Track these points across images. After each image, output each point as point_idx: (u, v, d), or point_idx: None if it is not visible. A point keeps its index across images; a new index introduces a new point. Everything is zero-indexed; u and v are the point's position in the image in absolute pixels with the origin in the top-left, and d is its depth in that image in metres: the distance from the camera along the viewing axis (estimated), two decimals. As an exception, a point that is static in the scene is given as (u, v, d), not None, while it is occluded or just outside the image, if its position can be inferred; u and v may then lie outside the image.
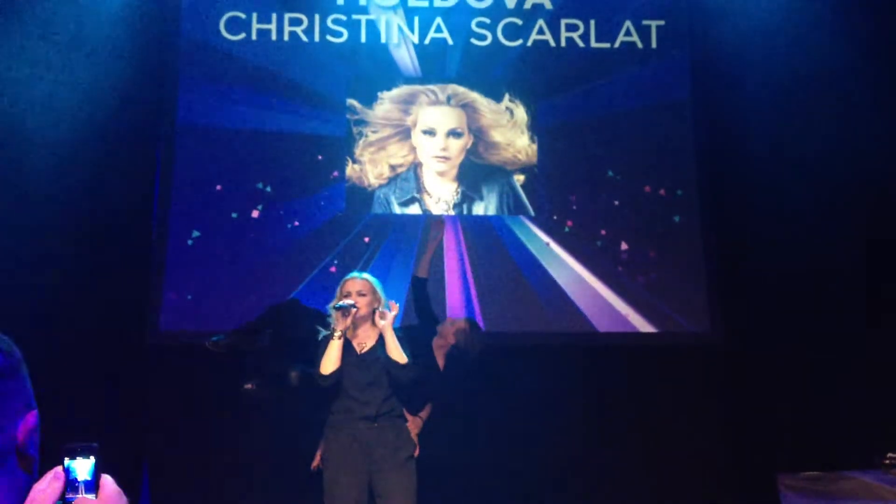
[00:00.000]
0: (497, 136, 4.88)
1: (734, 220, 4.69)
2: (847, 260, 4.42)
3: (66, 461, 0.99)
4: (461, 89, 4.91)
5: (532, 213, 4.83)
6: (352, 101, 4.89)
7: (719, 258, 4.65)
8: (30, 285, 4.04)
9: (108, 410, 4.07)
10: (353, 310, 3.22)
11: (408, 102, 4.90)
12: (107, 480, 1.00)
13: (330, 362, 3.18)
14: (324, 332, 3.34)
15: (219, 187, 4.71)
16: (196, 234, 4.63)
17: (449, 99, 4.90)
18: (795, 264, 4.47)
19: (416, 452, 3.36)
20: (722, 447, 4.40)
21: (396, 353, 3.22)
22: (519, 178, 4.88)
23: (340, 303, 3.22)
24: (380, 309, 3.30)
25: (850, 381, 4.26)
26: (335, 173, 4.81)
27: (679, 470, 4.35)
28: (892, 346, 4.22)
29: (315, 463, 3.42)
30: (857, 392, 4.21)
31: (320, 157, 4.84)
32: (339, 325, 3.20)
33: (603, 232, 4.78)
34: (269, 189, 4.77)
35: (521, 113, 4.91)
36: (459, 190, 4.86)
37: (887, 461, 3.75)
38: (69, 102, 4.36)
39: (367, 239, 4.76)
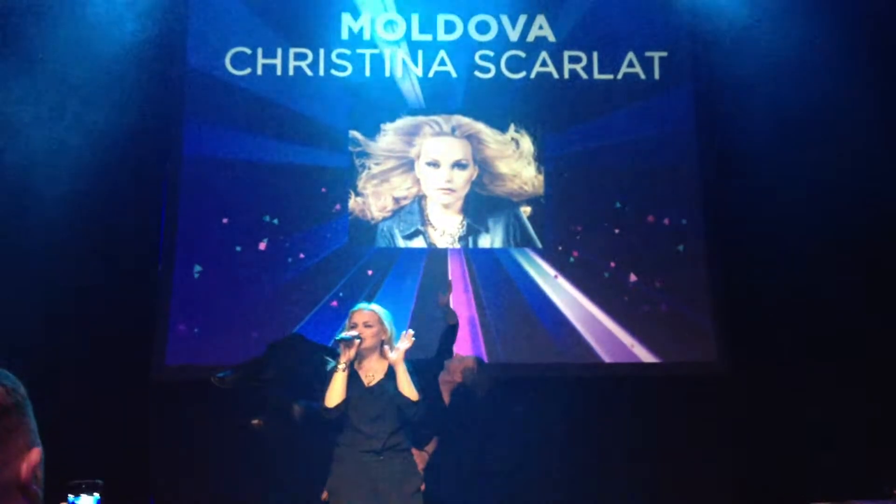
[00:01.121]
0: (503, 167, 4.86)
1: (739, 249, 4.68)
2: (853, 289, 4.39)
3: (71, 498, 0.97)
4: (466, 120, 4.90)
5: (539, 245, 4.79)
6: (354, 133, 4.89)
7: (725, 287, 4.63)
8: (36, 319, 4.01)
9: (114, 446, 4.04)
10: (357, 341, 3.17)
11: (411, 134, 4.89)
12: None
13: (335, 395, 3.13)
14: (332, 363, 3.27)
15: (225, 220, 4.70)
16: (201, 267, 4.61)
17: (454, 130, 4.89)
18: (801, 293, 4.44)
19: (423, 487, 3.28)
20: (729, 477, 4.35)
21: (408, 388, 3.17)
22: (525, 210, 4.85)
23: (343, 335, 3.17)
24: (388, 340, 3.24)
25: (858, 410, 4.20)
26: (337, 206, 4.78)
27: (686, 500, 4.30)
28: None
29: (325, 496, 3.32)
30: (865, 421, 4.16)
31: (324, 190, 4.82)
32: (343, 356, 3.15)
33: (609, 262, 4.75)
34: (276, 221, 4.74)
35: (526, 143, 4.90)
36: (465, 222, 4.82)
37: (896, 493, 3.69)
38: (75, 137, 4.36)
39: (370, 272, 4.71)
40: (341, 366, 3.15)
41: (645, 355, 4.58)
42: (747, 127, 4.73)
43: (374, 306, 3.33)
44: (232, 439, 4.19)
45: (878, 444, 4.00)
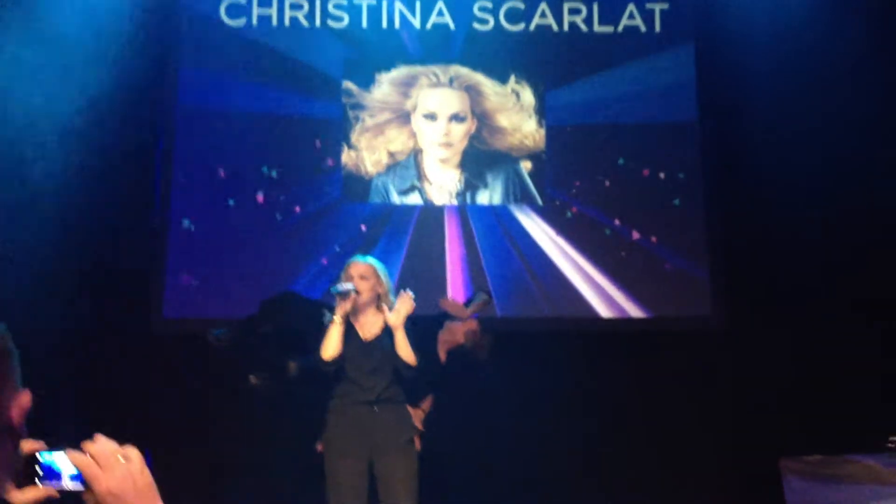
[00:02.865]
0: (503, 120, 4.73)
1: (737, 204, 4.64)
2: (853, 243, 4.37)
3: (44, 458, 1.00)
4: (464, 70, 4.75)
5: (540, 201, 4.68)
6: (348, 84, 4.73)
7: (722, 242, 4.60)
8: (30, 273, 3.95)
9: (110, 401, 4.04)
10: (354, 294, 3.15)
11: (407, 85, 4.74)
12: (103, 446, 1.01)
13: (330, 347, 3.13)
14: (328, 316, 3.26)
15: (221, 172, 4.60)
16: (196, 220, 4.54)
17: (451, 81, 4.74)
18: (799, 248, 4.43)
19: (419, 445, 3.30)
20: (725, 432, 4.36)
21: (406, 352, 3.17)
22: (526, 165, 4.73)
23: (338, 287, 3.15)
24: (384, 294, 3.24)
25: (854, 363, 4.21)
26: (330, 161, 4.64)
27: (682, 455, 4.31)
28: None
29: (321, 447, 3.34)
30: (861, 375, 4.17)
31: (318, 143, 4.67)
32: (340, 309, 3.14)
33: (607, 218, 4.66)
34: (273, 174, 4.63)
35: (528, 96, 4.76)
36: (462, 178, 4.71)
37: (892, 444, 3.71)
38: (69, 89, 4.28)
39: (363, 227, 4.59)
40: (337, 318, 3.13)
41: (641, 310, 4.54)
42: (750, 80, 4.67)
43: (370, 259, 3.31)
44: (229, 393, 4.19)
45: (875, 398, 4.00)
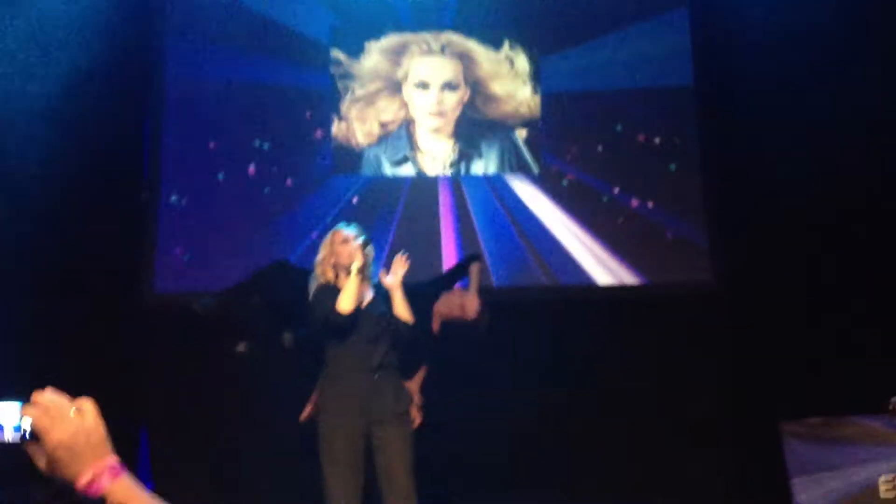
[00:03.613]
0: (497, 87, 4.63)
1: (734, 167, 4.59)
2: (852, 206, 4.34)
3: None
4: (456, 37, 4.64)
5: (536, 170, 4.60)
6: (336, 53, 4.60)
7: (720, 207, 4.55)
8: (18, 248, 3.94)
9: (104, 376, 4.00)
10: (372, 253, 3.20)
11: (398, 53, 4.63)
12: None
13: (350, 299, 3.05)
14: (317, 283, 3.24)
15: (212, 144, 4.51)
16: (187, 193, 4.46)
17: (443, 48, 4.63)
18: (797, 211, 4.40)
19: (420, 417, 3.33)
20: (726, 396, 4.36)
21: (404, 311, 3.18)
22: (521, 133, 4.64)
23: (360, 236, 3.14)
24: (368, 264, 3.24)
25: (854, 326, 4.20)
26: (319, 133, 4.53)
27: (682, 419, 4.31)
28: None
29: (304, 415, 3.32)
30: (862, 338, 4.16)
31: (309, 114, 4.56)
32: (358, 261, 3.10)
33: (603, 185, 4.59)
34: (266, 147, 4.53)
35: (522, 62, 4.66)
36: (456, 148, 4.61)
37: (892, 406, 3.72)
38: (55, 62, 4.19)
39: (355, 200, 4.51)
40: (355, 269, 3.08)
41: (639, 277, 4.50)
42: (744, 44, 4.59)
43: (356, 230, 3.28)
44: (219, 365, 4.19)
45: (875, 361, 3.99)
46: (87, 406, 0.99)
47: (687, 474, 4.23)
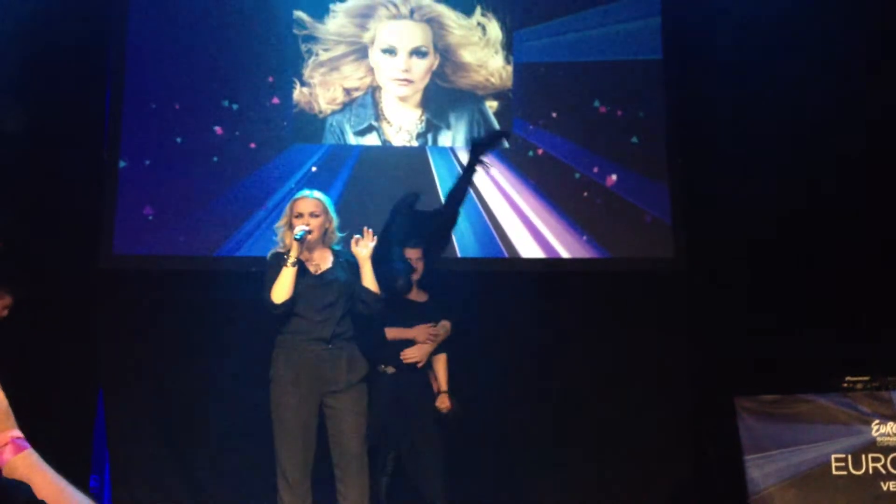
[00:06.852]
0: (467, 55, 4.49)
1: (698, 143, 4.58)
2: (817, 183, 4.38)
3: None
4: (426, 1, 4.48)
5: (506, 143, 4.48)
6: (299, 14, 4.42)
7: (682, 181, 4.56)
8: None
9: (61, 339, 4.00)
10: (309, 235, 3.14)
11: (365, 16, 4.45)
12: None
13: (283, 291, 3.10)
14: (273, 250, 3.24)
15: (176, 105, 4.35)
16: (148, 155, 4.31)
17: (412, 12, 4.46)
18: (761, 189, 4.41)
19: (451, 404, 3.50)
20: (682, 371, 4.41)
21: (371, 282, 3.20)
22: (491, 105, 4.52)
23: (298, 233, 3.09)
24: (332, 229, 3.25)
25: (812, 306, 4.27)
26: (276, 99, 4.37)
27: (639, 393, 4.36)
28: (857, 273, 4.24)
29: None
30: (818, 317, 4.24)
31: (271, 79, 4.38)
32: (294, 251, 3.10)
33: (571, 158, 4.52)
34: (235, 107, 4.38)
35: (494, 30, 4.52)
36: (424, 117, 4.48)
37: (845, 384, 3.83)
38: (13, 19, 4.04)
39: (314, 169, 4.37)
40: (291, 260, 3.10)
41: (602, 252, 4.46)
42: (718, 21, 4.57)
43: (318, 194, 3.28)
44: (179, 330, 4.19)
45: (832, 339, 4.06)
46: None
47: (641, 448, 4.29)
